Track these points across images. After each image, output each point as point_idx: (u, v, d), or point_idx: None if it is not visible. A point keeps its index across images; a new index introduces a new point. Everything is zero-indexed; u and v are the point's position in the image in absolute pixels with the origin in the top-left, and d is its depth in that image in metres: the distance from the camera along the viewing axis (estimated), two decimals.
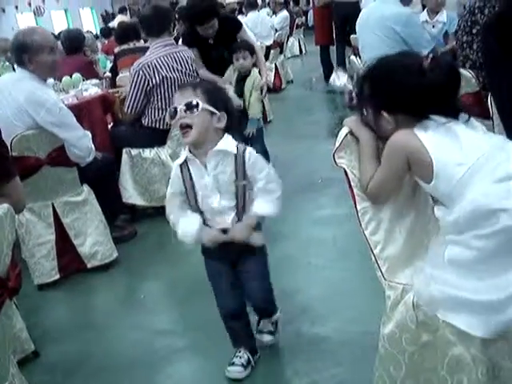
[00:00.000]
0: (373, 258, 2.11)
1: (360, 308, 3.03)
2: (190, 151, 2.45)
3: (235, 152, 2.42)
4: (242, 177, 2.44)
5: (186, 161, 2.47)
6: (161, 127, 4.76)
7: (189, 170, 2.48)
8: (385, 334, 2.08)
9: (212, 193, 2.45)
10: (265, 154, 5.36)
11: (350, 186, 2.10)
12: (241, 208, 2.49)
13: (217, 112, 2.41)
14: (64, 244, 4.02)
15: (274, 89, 10.02)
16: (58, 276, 3.99)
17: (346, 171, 2.09)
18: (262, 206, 2.48)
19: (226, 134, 2.46)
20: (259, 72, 4.98)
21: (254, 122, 4.83)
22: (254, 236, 2.50)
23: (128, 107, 4.74)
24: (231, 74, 5.05)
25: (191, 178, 2.47)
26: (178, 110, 2.37)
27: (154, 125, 4.76)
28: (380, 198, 2.09)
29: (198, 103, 2.35)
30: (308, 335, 2.94)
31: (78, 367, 3.01)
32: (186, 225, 2.49)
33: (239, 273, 2.62)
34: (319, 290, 3.38)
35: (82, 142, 3.94)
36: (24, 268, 3.83)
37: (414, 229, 2.17)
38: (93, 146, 4.05)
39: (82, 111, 4.58)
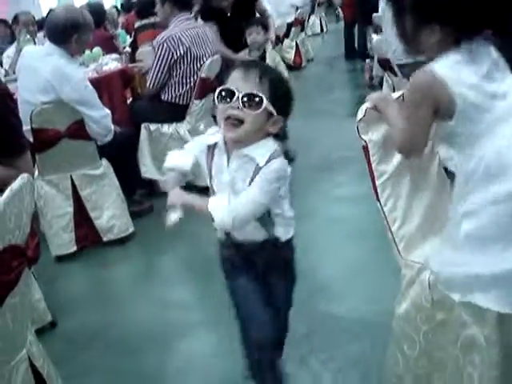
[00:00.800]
0: (390, 236, 2.09)
1: (376, 287, 3.02)
2: (224, 138, 2.02)
3: (262, 165, 1.94)
4: None
5: (214, 145, 2.05)
6: (180, 102, 4.75)
7: (213, 155, 2.06)
8: (399, 313, 2.07)
9: (225, 190, 2.02)
10: (283, 132, 5.39)
11: (369, 160, 2.07)
12: None
13: (275, 114, 1.95)
14: (81, 217, 4.06)
15: (295, 66, 9.98)
16: (75, 248, 4.03)
17: (365, 146, 2.05)
18: (219, 206, 1.98)
19: (269, 139, 2.01)
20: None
21: None
22: (171, 214, 2.05)
23: (151, 81, 4.71)
24: (245, 56, 5.09)
25: (211, 165, 2.07)
26: (236, 97, 1.89)
27: (173, 100, 4.75)
28: (413, 149, 1.95)
29: (262, 99, 1.89)
30: (324, 313, 2.95)
31: (94, 338, 3.05)
32: (175, 159, 2.16)
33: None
34: (336, 268, 3.38)
35: (102, 121, 3.98)
36: (42, 240, 3.86)
37: (432, 207, 2.15)
38: (112, 126, 4.08)
39: (101, 85, 4.58)
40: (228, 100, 1.90)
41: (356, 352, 2.63)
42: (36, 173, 3.93)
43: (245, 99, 1.89)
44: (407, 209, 2.11)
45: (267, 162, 1.94)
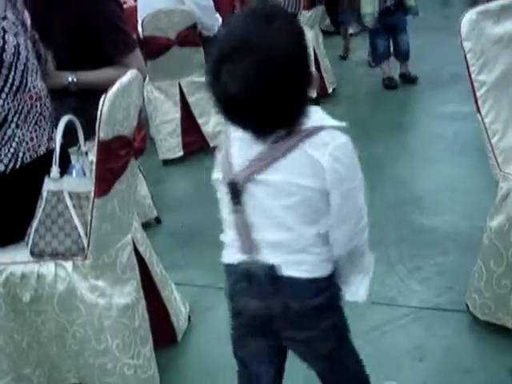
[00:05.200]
0: (489, 148, 2.06)
1: (472, 203, 3.01)
2: None
3: None
4: None
5: None
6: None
7: None
8: (492, 226, 2.06)
9: None
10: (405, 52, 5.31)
11: (469, 70, 2.03)
12: None
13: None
14: (189, 122, 4.20)
15: None
16: (181, 153, 4.21)
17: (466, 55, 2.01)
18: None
19: None
20: None
21: (415, 8, 5.17)
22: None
23: None
24: None
25: None
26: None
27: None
28: None
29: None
30: (416, 224, 2.98)
31: (197, 234, 3.22)
32: None
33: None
34: (433, 182, 3.38)
35: (207, 9, 4.15)
36: (151, 144, 4.06)
37: None
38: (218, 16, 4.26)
39: None
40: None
41: (444, 264, 2.66)
42: (147, 78, 4.08)
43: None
44: (509, 122, 2.07)
45: None
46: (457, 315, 2.34)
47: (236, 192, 1.34)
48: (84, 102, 2.49)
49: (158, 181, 3.93)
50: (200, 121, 4.19)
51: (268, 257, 1.35)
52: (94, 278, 1.90)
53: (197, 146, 4.25)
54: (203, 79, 4.13)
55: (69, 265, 1.88)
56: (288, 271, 1.35)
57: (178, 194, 3.79)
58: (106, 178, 1.79)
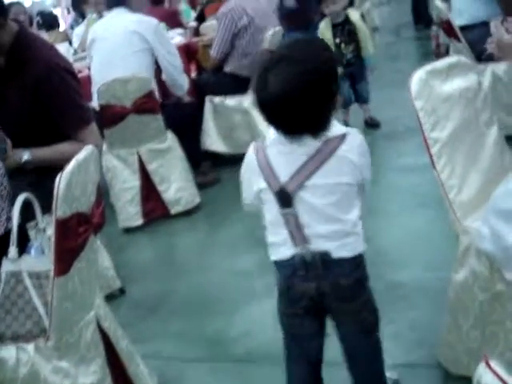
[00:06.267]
0: (447, 203, 2.09)
1: (437, 255, 3.01)
2: None
3: None
4: None
5: None
6: (243, 74, 4.78)
7: None
8: (456, 281, 2.07)
9: None
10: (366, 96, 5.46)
11: (422, 129, 2.07)
12: None
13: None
14: (149, 190, 4.17)
15: None
16: (141, 221, 4.15)
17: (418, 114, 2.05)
18: None
19: None
20: None
21: (371, 59, 5.23)
22: None
23: (214, 51, 4.80)
24: (325, 28, 5.07)
25: None
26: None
27: (236, 71, 4.80)
28: None
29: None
30: (384, 279, 2.96)
31: (162, 304, 3.18)
32: None
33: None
34: (396, 236, 3.38)
35: (175, 60, 4.28)
36: (111, 211, 4.02)
37: (491, 173, 2.14)
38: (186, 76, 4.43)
39: None
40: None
41: (414, 318, 2.64)
42: (105, 147, 4.06)
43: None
44: (465, 176, 2.10)
45: None
46: (428, 371, 2.32)
47: (287, 198, 1.66)
48: (41, 175, 2.47)
49: (120, 249, 3.88)
50: (160, 188, 4.16)
51: (320, 245, 1.68)
52: (58, 359, 1.86)
53: (157, 213, 4.22)
54: (162, 146, 4.16)
55: (31, 347, 1.83)
56: (338, 254, 1.69)
57: (140, 263, 3.74)
58: (66, 257, 1.76)
